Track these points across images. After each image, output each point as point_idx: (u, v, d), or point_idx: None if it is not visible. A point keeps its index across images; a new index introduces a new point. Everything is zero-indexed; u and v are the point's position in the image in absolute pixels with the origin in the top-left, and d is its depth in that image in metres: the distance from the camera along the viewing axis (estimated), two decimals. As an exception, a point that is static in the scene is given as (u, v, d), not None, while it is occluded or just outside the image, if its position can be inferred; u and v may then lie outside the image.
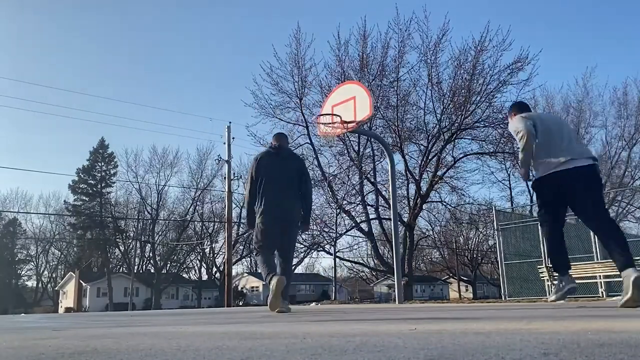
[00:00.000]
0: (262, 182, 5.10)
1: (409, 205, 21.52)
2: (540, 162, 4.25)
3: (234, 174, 27.56)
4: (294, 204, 5.20)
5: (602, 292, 11.37)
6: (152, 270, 51.81)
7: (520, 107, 4.82)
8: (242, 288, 59.95)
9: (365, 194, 21.63)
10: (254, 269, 65.32)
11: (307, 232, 27.43)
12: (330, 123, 10.24)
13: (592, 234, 12.12)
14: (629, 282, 3.67)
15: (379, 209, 22.14)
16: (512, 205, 28.77)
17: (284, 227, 5.10)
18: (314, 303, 13.85)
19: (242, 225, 46.42)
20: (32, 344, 2.01)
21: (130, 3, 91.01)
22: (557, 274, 4.42)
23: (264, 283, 60.60)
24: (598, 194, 4.14)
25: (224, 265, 28.85)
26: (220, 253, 49.21)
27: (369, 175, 21.19)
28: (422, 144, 21.05)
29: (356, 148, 21.07)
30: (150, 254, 51.59)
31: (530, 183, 4.52)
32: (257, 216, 5.09)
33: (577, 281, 12.51)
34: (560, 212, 4.39)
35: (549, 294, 11.24)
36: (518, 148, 4.41)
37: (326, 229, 23.73)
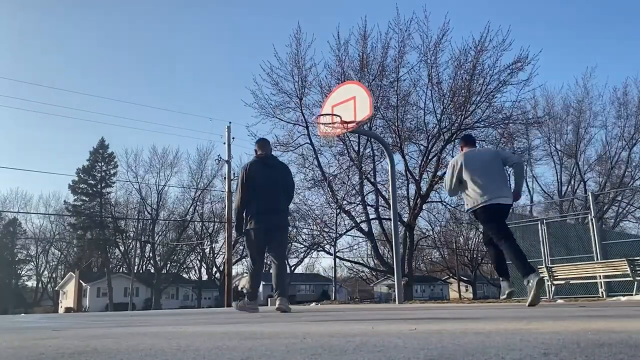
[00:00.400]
0: (252, 190, 5.31)
1: (409, 205, 21.52)
2: (468, 195, 5.38)
3: (234, 174, 27.49)
4: (285, 211, 5.52)
5: (602, 292, 11.37)
6: (152, 270, 51.80)
7: (466, 141, 5.83)
8: (242, 288, 59.91)
9: (365, 194, 21.65)
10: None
11: (307, 233, 27.48)
12: (330, 123, 10.24)
13: (592, 234, 12.16)
14: (534, 283, 4.81)
15: (379, 209, 22.15)
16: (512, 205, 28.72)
17: (275, 233, 5.36)
18: (314, 303, 13.85)
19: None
20: (32, 344, 2.01)
21: (130, 3, 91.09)
22: (503, 278, 5.76)
23: (264, 283, 60.67)
24: (498, 224, 5.44)
25: (224, 265, 28.85)
26: (220, 253, 49.24)
27: (369, 175, 21.19)
28: (422, 144, 21.06)
29: (356, 148, 21.08)
30: (150, 254, 51.59)
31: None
32: (247, 224, 5.30)
33: (577, 281, 12.44)
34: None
35: (549, 294, 11.27)
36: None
37: (326, 229, 23.76)
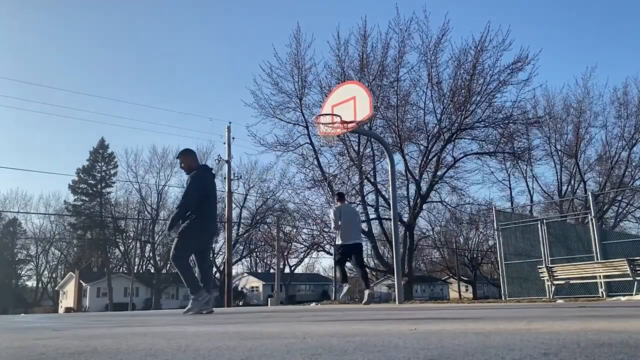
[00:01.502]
0: (205, 197, 5.69)
1: (409, 205, 21.51)
2: (341, 235, 8.59)
3: (233, 174, 27.56)
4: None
5: (602, 292, 11.37)
6: (152, 270, 51.78)
7: (340, 197, 9.35)
8: (242, 288, 59.99)
9: (365, 194, 21.63)
10: (254, 268, 65.36)
11: (307, 233, 27.50)
12: (330, 123, 10.23)
13: (592, 234, 12.16)
14: (365, 295, 8.51)
15: (379, 209, 22.14)
16: (512, 205, 28.74)
17: (211, 242, 6.30)
18: (313, 303, 13.85)
19: (242, 226, 46.48)
20: (32, 344, 2.01)
21: (130, 3, 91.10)
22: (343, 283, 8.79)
23: (264, 283, 60.42)
24: (362, 256, 9.03)
25: (224, 265, 28.85)
26: (220, 253, 49.11)
27: (369, 175, 21.18)
28: (422, 144, 21.05)
29: (356, 148, 21.06)
30: (150, 254, 51.57)
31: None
32: (194, 228, 5.57)
33: (577, 281, 12.43)
34: (347, 260, 8.90)
35: (549, 294, 11.27)
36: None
37: (326, 229, 23.73)
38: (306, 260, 55.32)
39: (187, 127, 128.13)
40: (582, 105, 27.56)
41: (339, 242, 8.70)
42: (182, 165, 5.91)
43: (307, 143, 20.95)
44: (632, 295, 9.64)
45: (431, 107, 20.31)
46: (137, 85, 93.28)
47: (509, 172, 28.59)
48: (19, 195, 77.43)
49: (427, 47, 19.48)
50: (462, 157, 21.20)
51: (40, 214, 55.76)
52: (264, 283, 58.97)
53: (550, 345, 1.38)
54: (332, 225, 8.93)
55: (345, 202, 9.58)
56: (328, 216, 21.39)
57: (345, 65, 20.34)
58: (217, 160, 27.71)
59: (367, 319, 3.38)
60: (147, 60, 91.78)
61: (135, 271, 48.61)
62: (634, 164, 27.87)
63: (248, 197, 44.94)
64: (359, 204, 21.59)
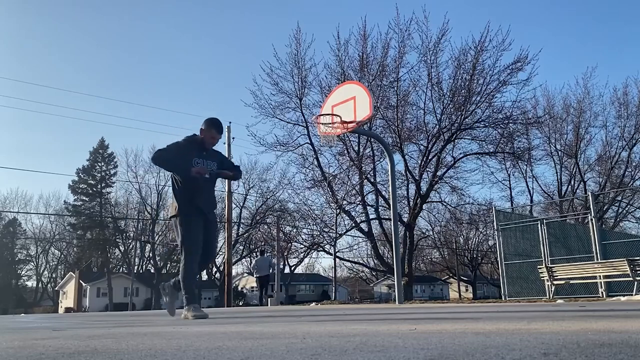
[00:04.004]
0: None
1: (409, 205, 21.51)
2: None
3: (233, 174, 27.47)
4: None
5: (602, 292, 11.37)
6: (152, 270, 51.77)
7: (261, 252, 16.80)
8: (242, 288, 59.97)
9: (365, 194, 21.63)
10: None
11: (307, 233, 27.51)
12: (330, 123, 10.24)
13: (592, 234, 12.15)
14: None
15: (379, 209, 22.14)
16: (512, 205, 28.74)
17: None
18: (313, 303, 13.85)
19: (242, 226, 46.47)
20: (32, 344, 2.01)
21: (130, 3, 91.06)
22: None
23: (272, 283, 60.40)
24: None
25: (224, 265, 28.83)
26: (220, 253, 49.14)
27: (369, 176, 21.18)
28: (422, 144, 21.05)
29: (356, 148, 21.07)
30: (150, 254, 51.54)
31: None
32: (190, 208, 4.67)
33: (577, 281, 12.44)
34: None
35: (549, 294, 11.27)
36: None
37: (326, 229, 23.76)
38: (306, 260, 55.28)
39: (187, 127, 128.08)
40: (582, 105, 27.58)
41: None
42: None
43: (307, 143, 20.98)
44: (632, 295, 9.64)
45: (431, 107, 20.34)
46: (137, 85, 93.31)
47: (509, 172, 28.61)
48: (19, 195, 77.59)
49: (427, 47, 19.50)
50: (462, 157, 21.22)
51: (40, 214, 55.78)
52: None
53: (550, 345, 1.38)
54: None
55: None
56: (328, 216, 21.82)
57: (345, 65, 20.38)
58: (217, 160, 27.66)
59: (367, 319, 3.38)
60: (147, 60, 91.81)
61: (135, 271, 48.59)
62: (634, 164, 27.88)
63: (248, 197, 44.93)
64: (358, 203, 21.61)
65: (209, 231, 4.62)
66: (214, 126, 4.73)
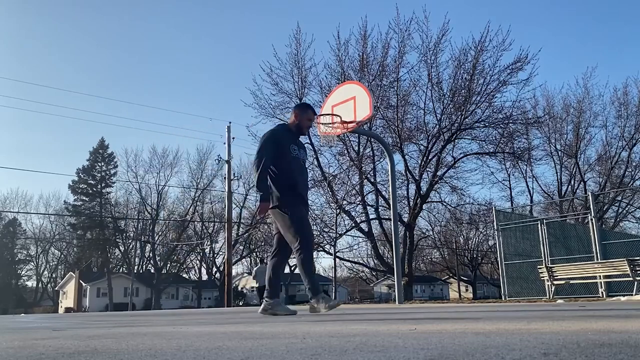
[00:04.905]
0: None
1: (409, 205, 21.52)
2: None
3: (234, 174, 27.53)
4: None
5: (602, 292, 11.37)
6: (152, 270, 51.75)
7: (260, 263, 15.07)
8: (242, 288, 59.92)
9: (365, 194, 21.64)
10: (254, 268, 65.24)
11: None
12: (330, 123, 10.23)
13: (592, 234, 12.14)
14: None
15: (379, 209, 22.15)
16: (512, 205, 28.75)
17: None
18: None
19: (242, 226, 46.45)
20: (32, 344, 2.01)
21: (130, 3, 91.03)
22: None
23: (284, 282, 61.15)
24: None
25: (224, 265, 28.84)
26: (220, 253, 49.14)
27: (369, 175, 21.19)
28: (422, 144, 21.07)
29: (356, 148, 21.08)
30: (150, 254, 51.55)
31: None
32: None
33: (577, 281, 12.45)
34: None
35: (549, 294, 11.27)
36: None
37: (326, 229, 23.74)
38: (306, 260, 55.08)
39: (187, 127, 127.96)
40: (582, 105, 27.60)
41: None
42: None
43: (307, 143, 20.97)
44: (632, 295, 9.64)
45: (431, 107, 20.37)
46: (137, 85, 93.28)
47: (508, 172, 28.62)
48: (19, 195, 77.78)
49: (427, 47, 19.53)
50: (462, 157, 21.23)
51: (40, 214, 55.80)
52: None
53: (550, 345, 1.38)
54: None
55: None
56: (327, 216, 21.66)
57: (345, 65, 20.39)
58: (217, 160, 27.75)
59: (367, 319, 3.38)
60: (147, 60, 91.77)
61: (135, 271, 48.57)
62: (634, 164, 27.89)
63: (248, 197, 44.94)
64: (359, 203, 21.61)
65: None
66: (310, 107, 4.72)
